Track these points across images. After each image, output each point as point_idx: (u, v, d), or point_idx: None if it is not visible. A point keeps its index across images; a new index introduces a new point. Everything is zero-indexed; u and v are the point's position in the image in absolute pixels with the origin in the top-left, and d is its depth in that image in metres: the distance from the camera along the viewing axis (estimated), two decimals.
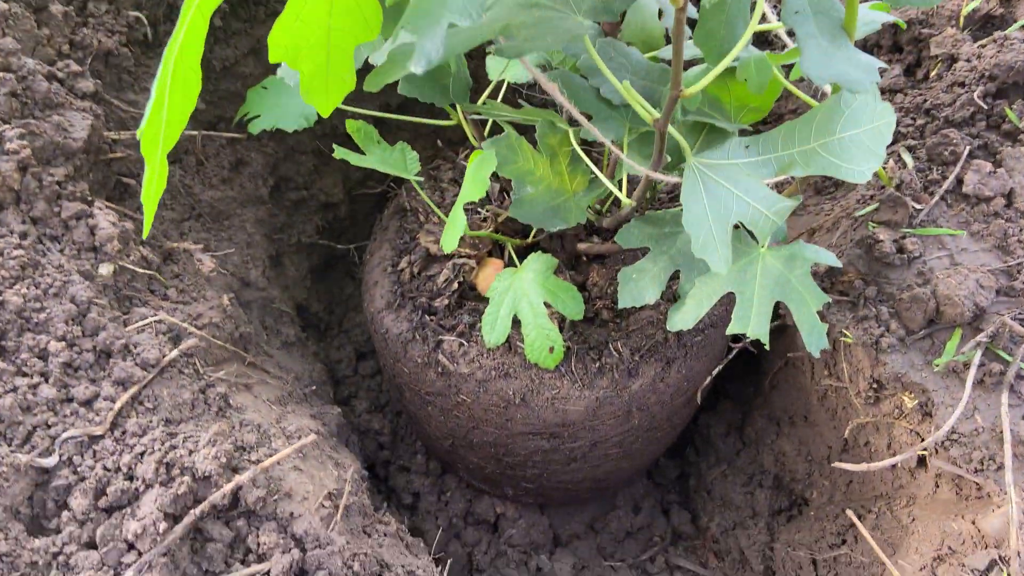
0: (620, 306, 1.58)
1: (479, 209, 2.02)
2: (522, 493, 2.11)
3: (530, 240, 1.90)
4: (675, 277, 1.90)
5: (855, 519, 1.45)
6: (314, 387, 1.93)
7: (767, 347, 1.47)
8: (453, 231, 1.44)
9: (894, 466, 1.72)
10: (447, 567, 1.91)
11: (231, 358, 1.65)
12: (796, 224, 2.11)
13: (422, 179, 1.85)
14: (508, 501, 2.23)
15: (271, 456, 1.41)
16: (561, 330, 1.76)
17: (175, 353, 1.45)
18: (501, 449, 1.88)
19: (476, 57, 2.13)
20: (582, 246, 1.92)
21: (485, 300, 1.78)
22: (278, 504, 1.36)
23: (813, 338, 1.46)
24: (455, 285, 1.89)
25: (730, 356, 1.92)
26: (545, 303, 1.68)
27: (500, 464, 1.95)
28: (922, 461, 1.62)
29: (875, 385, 1.66)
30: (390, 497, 2.29)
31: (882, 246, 1.69)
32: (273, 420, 1.57)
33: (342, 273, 2.63)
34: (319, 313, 2.52)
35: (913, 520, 1.67)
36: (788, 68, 1.56)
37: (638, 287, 1.58)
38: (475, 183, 1.42)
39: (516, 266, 1.72)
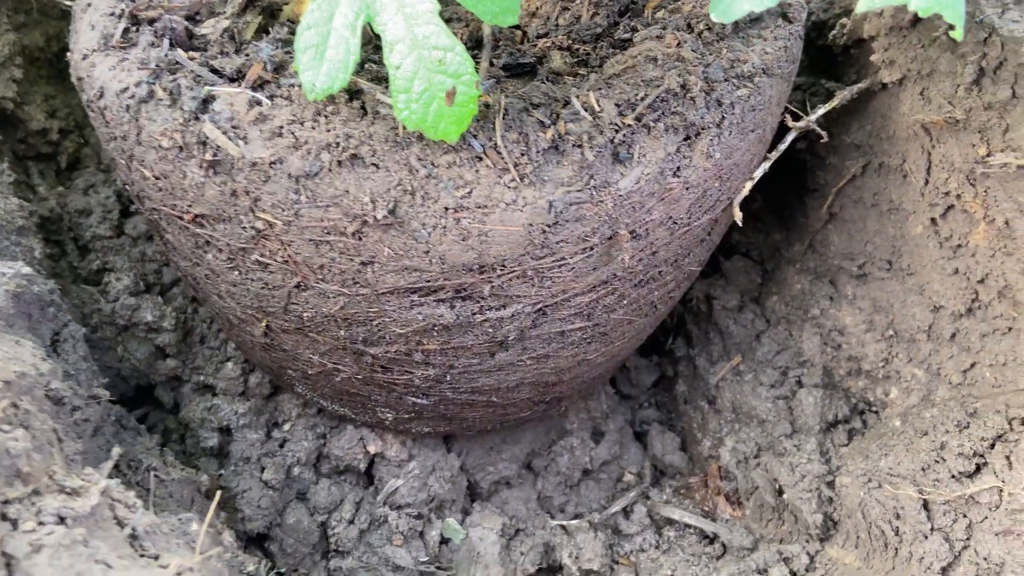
0: None
1: None
2: (411, 417, 1.26)
3: None
4: None
5: None
6: None
7: (958, 35, 0.63)
8: None
9: None
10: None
11: None
12: None
13: None
14: (388, 432, 1.38)
15: None
16: (475, 59, 0.88)
17: None
18: (359, 331, 1.01)
19: None
20: None
21: None
22: None
23: None
24: None
25: (786, 142, 1.09)
26: None
27: (361, 363, 1.08)
28: None
29: None
30: (182, 439, 1.40)
31: None
32: None
33: None
34: (51, 135, 1.55)
35: None
36: None
37: None
38: None
39: None
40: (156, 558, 0.79)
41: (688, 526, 1.50)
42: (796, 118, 1.12)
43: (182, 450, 1.41)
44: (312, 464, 1.39)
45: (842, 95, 1.15)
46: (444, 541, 1.42)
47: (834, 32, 1.22)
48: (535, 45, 1.04)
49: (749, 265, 1.59)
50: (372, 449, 1.39)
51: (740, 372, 1.54)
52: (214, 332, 1.45)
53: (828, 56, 1.30)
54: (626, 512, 1.53)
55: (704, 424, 1.59)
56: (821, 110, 1.13)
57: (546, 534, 1.46)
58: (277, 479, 1.35)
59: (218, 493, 1.10)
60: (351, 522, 1.35)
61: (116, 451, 0.95)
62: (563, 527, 1.48)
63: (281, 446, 1.39)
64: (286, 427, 1.41)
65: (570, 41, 1.04)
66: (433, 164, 0.85)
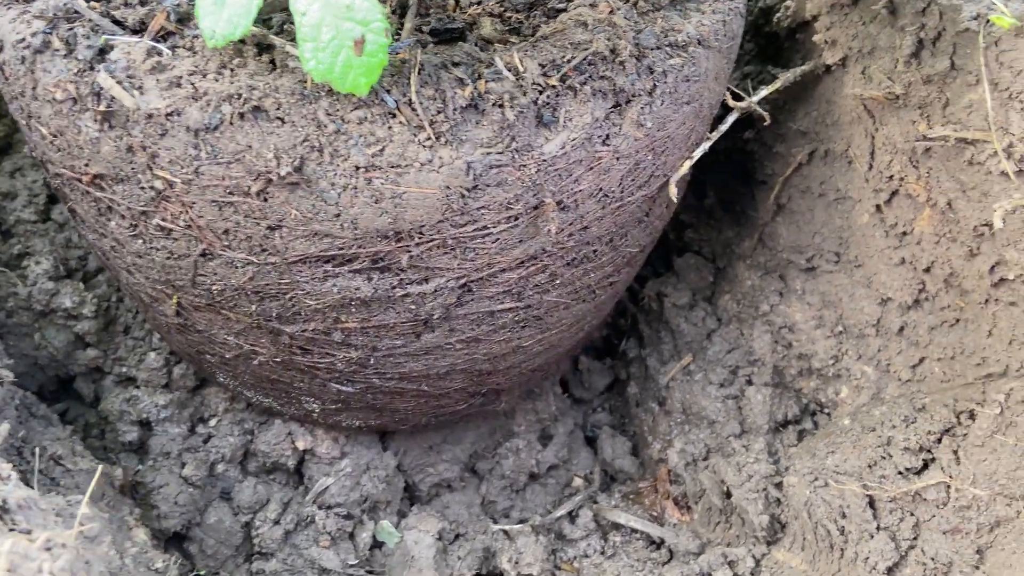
0: None
1: None
2: (338, 408, 1.20)
3: None
4: None
5: None
6: None
7: None
8: None
9: None
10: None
11: None
12: None
13: None
14: (318, 427, 1.32)
15: None
16: (402, 25, 0.84)
17: None
18: (272, 305, 0.95)
19: None
20: None
21: None
22: None
23: None
24: None
25: (727, 122, 1.06)
26: None
27: (279, 343, 1.02)
28: None
29: None
30: (103, 434, 1.33)
31: None
32: None
33: None
34: None
35: None
36: None
37: None
38: None
39: None
40: (28, 533, 0.72)
41: (635, 531, 1.44)
42: (739, 100, 1.09)
43: (102, 446, 1.33)
44: (238, 461, 1.33)
45: (785, 77, 1.12)
46: (377, 544, 1.35)
47: (779, 14, 1.20)
48: (465, 12, 1.00)
49: (701, 263, 1.55)
50: (301, 445, 1.32)
51: (690, 372, 1.49)
52: (139, 322, 1.38)
53: (775, 43, 1.27)
54: (571, 517, 1.47)
55: (655, 426, 1.54)
56: (764, 91, 1.10)
57: (486, 538, 1.39)
58: (198, 476, 1.28)
59: (99, 468, 1.03)
60: (276, 522, 1.28)
61: (4, 427, 0.89)
62: (504, 531, 1.41)
63: (205, 442, 1.32)
64: (212, 422, 1.34)
65: (502, 9, 1.00)
66: (343, 119, 0.80)
